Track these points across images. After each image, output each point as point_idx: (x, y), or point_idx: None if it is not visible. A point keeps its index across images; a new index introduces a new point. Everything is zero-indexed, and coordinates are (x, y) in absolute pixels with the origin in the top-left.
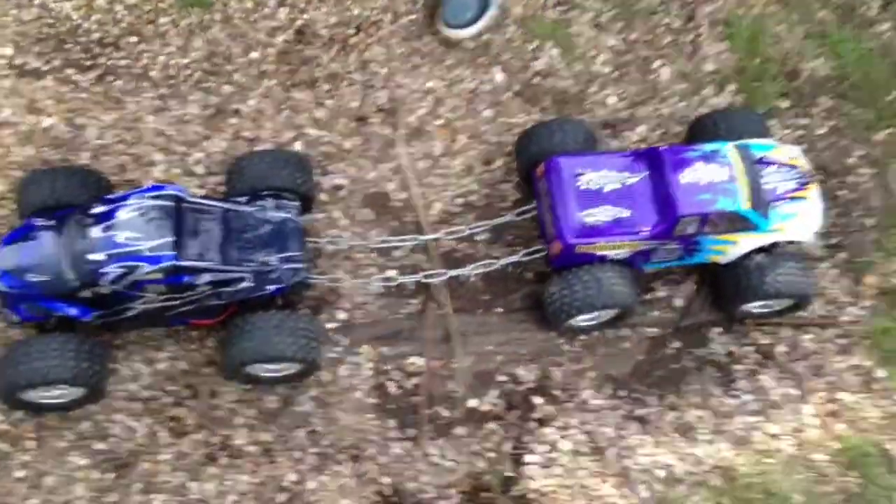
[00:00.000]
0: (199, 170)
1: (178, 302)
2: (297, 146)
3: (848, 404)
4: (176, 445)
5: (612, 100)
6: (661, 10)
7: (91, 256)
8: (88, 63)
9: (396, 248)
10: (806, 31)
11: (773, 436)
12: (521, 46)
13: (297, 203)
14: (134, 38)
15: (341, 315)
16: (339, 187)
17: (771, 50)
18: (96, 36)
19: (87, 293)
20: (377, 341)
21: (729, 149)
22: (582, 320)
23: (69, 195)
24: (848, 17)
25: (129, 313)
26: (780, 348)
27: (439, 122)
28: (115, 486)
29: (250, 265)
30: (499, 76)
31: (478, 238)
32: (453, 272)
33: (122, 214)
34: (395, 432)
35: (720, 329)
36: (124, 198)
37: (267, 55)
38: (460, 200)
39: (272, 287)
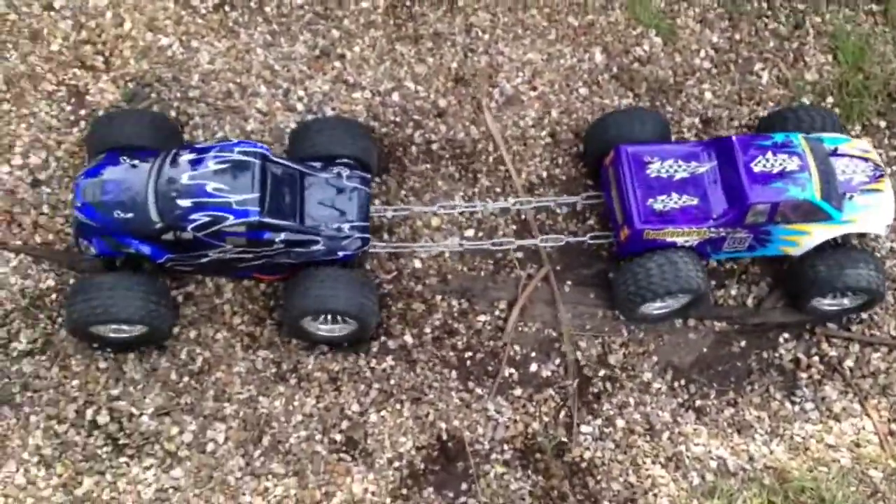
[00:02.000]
0: (300, 107)
1: (251, 255)
2: (395, 97)
3: None
4: (249, 360)
5: (708, 95)
6: (769, 15)
7: (180, 202)
8: None
9: (474, 211)
10: None
11: (831, 446)
12: (624, 31)
13: (368, 174)
14: None
15: (417, 264)
16: (430, 142)
17: (875, 68)
18: None
19: (168, 236)
20: (449, 295)
21: (801, 139)
22: (654, 308)
23: (141, 138)
24: None
25: (202, 260)
26: (848, 362)
27: (534, 93)
28: (189, 389)
29: (324, 229)
30: (598, 57)
31: (557, 212)
32: (521, 242)
33: (212, 165)
34: (456, 383)
35: (789, 335)
36: (212, 148)
37: (377, 6)
38: (544, 173)
39: (341, 253)
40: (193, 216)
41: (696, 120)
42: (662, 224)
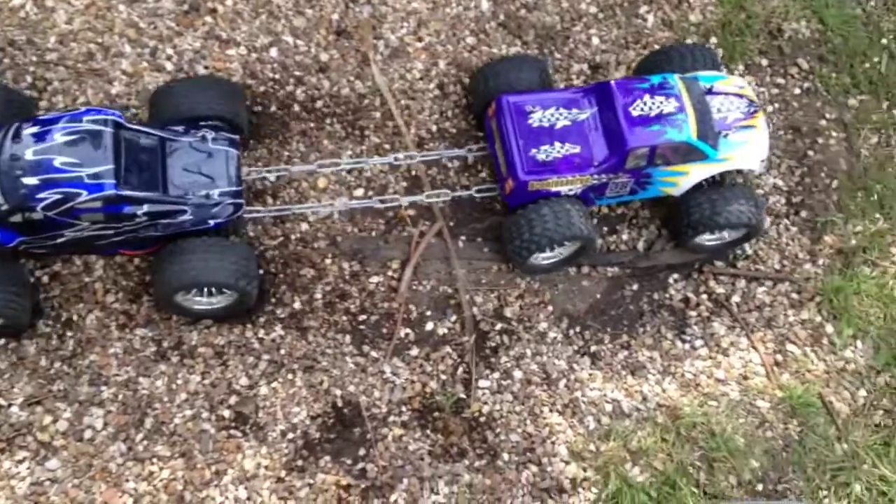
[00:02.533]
0: (169, 66)
1: (112, 231)
2: (273, 53)
3: (795, 356)
4: (125, 340)
5: (595, 40)
6: None
7: (25, 180)
8: None
9: (363, 170)
10: None
11: (720, 381)
12: None
13: (236, 136)
14: None
15: (304, 227)
16: (314, 99)
17: (757, 7)
18: None
19: (16, 218)
20: (339, 258)
21: (677, 80)
22: (543, 258)
23: None
24: None
25: (58, 241)
26: (735, 298)
27: (420, 44)
28: (61, 375)
29: (191, 197)
30: (485, 4)
31: (448, 165)
32: (409, 198)
33: (59, 137)
34: (350, 347)
35: (678, 275)
36: (58, 119)
37: None
38: (434, 127)
39: (212, 221)
40: (42, 195)
41: (585, 66)
42: (546, 174)
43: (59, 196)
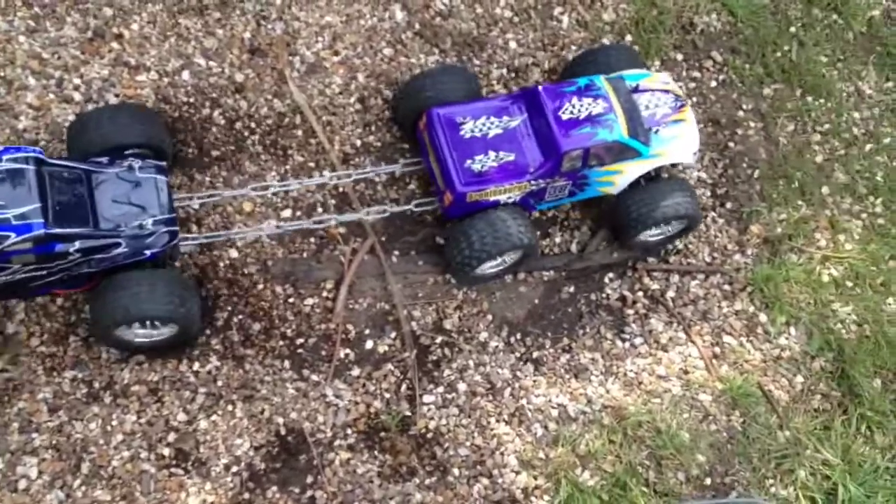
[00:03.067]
0: (77, 96)
1: (45, 272)
2: (186, 76)
3: (732, 347)
4: (54, 384)
5: (512, 44)
6: None
7: None
8: None
9: (289, 190)
10: None
11: (661, 377)
12: None
13: (162, 162)
14: None
15: (234, 254)
16: (232, 121)
17: (668, 2)
18: None
19: None
20: (271, 281)
21: (603, 81)
22: (486, 268)
23: None
24: None
25: None
26: (670, 293)
27: (337, 58)
28: None
29: (124, 229)
30: (399, 14)
31: (376, 180)
32: (343, 217)
33: None
34: (290, 373)
35: (613, 274)
36: None
37: None
38: (358, 141)
39: (148, 252)
40: None
41: (504, 71)
42: (484, 185)
43: None
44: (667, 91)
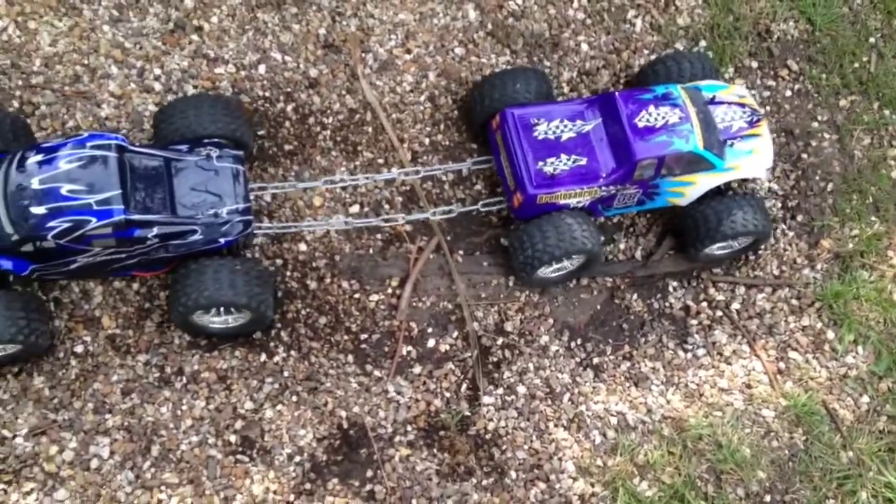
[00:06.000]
0: (158, 86)
1: (124, 255)
2: (262, 70)
3: (797, 363)
4: (128, 367)
5: (584, 47)
6: None
7: (34, 210)
8: None
9: (357, 185)
10: None
11: (724, 390)
12: None
13: (240, 152)
14: None
15: (302, 247)
16: (305, 116)
17: (744, 9)
18: None
19: (28, 247)
20: (338, 276)
21: (680, 90)
22: (549, 271)
23: None
24: None
25: (71, 267)
26: (735, 305)
27: (409, 56)
28: (65, 405)
29: (200, 217)
30: (472, 14)
31: (443, 179)
32: (411, 217)
33: (64, 165)
34: (353, 367)
35: (677, 283)
36: (62, 146)
37: None
38: (427, 140)
39: (223, 240)
40: (51, 223)
41: (575, 73)
42: (554, 187)
43: (68, 224)
44: (742, 105)
